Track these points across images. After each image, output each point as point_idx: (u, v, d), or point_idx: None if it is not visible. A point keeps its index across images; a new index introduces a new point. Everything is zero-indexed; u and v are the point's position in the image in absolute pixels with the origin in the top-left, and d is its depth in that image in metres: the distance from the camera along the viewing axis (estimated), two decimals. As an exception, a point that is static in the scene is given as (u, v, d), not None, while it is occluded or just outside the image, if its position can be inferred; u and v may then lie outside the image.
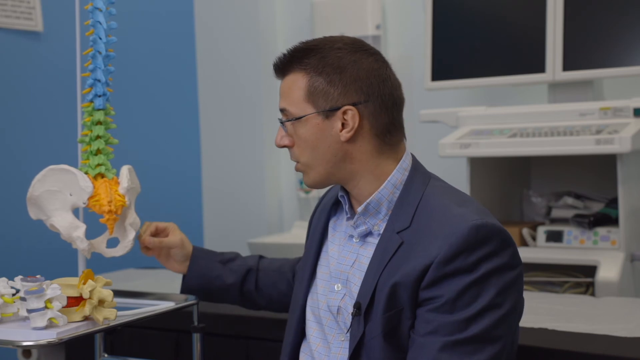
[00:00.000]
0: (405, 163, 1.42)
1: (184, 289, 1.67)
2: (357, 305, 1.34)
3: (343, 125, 1.38)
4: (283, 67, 1.42)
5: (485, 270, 1.26)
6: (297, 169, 1.45)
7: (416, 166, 1.43)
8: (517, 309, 1.33)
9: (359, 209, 1.40)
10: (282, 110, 1.42)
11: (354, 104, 1.37)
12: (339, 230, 1.49)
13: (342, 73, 1.38)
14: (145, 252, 1.63)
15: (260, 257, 1.73)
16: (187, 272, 1.65)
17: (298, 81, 1.39)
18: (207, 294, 1.68)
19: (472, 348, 1.24)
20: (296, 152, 1.42)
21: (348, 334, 1.36)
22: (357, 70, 1.39)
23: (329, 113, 1.38)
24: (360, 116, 1.38)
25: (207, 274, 1.65)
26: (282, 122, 1.43)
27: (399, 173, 1.40)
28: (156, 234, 1.63)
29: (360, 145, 1.39)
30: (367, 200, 1.39)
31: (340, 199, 1.48)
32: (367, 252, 1.40)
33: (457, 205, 1.34)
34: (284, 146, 1.43)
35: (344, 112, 1.37)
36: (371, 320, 1.32)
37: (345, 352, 1.37)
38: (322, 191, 1.54)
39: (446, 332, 1.25)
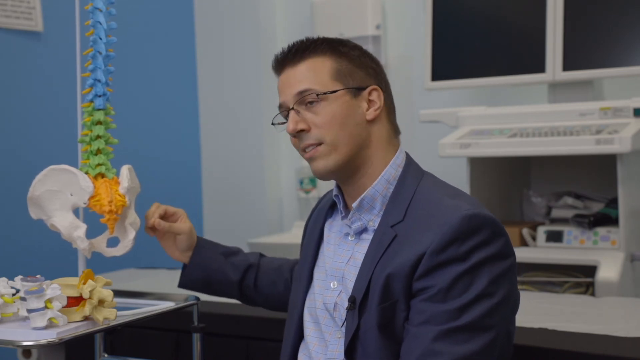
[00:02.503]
0: (398, 159, 1.44)
1: (184, 279, 1.67)
2: (351, 299, 1.34)
3: (368, 105, 1.42)
4: (302, 52, 1.42)
5: (478, 259, 1.27)
6: (313, 155, 1.41)
7: (410, 163, 1.46)
8: (511, 299, 1.33)
9: (354, 205, 1.42)
10: (302, 92, 1.40)
11: (378, 86, 1.44)
12: (334, 230, 1.50)
13: (360, 58, 1.44)
14: (149, 232, 1.59)
15: (261, 255, 1.74)
16: (189, 262, 1.64)
17: (322, 63, 1.42)
18: (206, 286, 1.68)
19: (465, 336, 1.25)
20: (318, 133, 1.40)
21: (343, 329, 1.36)
22: (369, 60, 1.46)
23: (356, 91, 1.42)
24: (384, 97, 1.44)
25: (208, 266, 1.65)
26: (292, 109, 1.41)
27: (392, 169, 1.42)
28: (165, 217, 1.61)
29: (379, 128, 1.43)
30: (362, 196, 1.41)
31: (334, 198, 1.49)
32: (361, 248, 1.41)
33: (449, 197, 1.36)
34: (301, 131, 1.41)
35: (370, 92, 1.43)
36: (366, 312, 1.33)
37: (342, 349, 1.37)
38: (322, 191, 1.54)
39: (439, 321, 1.25)
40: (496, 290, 1.28)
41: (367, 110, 1.42)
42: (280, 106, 1.46)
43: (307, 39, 1.45)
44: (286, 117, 1.44)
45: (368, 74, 1.44)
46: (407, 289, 1.31)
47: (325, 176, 1.44)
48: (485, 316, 1.26)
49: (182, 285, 1.69)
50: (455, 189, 1.42)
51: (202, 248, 1.65)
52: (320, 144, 1.40)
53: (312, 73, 1.41)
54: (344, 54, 1.43)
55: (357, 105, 1.41)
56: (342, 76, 1.41)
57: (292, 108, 1.41)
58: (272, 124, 1.49)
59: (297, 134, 1.42)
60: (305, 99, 1.40)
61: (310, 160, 1.43)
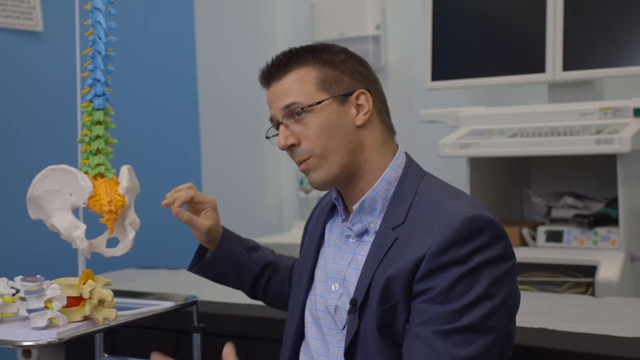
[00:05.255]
0: (398, 160, 1.43)
1: (201, 268, 1.65)
2: (353, 302, 1.34)
3: (357, 110, 1.41)
4: (286, 65, 1.41)
5: (479, 261, 1.27)
6: (305, 168, 1.41)
7: (410, 163, 1.45)
8: (510, 301, 1.33)
9: (354, 207, 1.41)
10: (289, 106, 1.40)
11: (365, 89, 1.42)
12: (335, 232, 1.50)
13: (345, 64, 1.42)
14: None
15: (273, 252, 1.74)
16: (212, 255, 1.63)
17: (307, 74, 1.40)
18: (219, 277, 1.67)
19: (466, 338, 1.25)
20: (307, 147, 1.39)
21: (344, 331, 1.36)
22: (354, 63, 1.44)
23: (343, 98, 1.40)
24: (373, 100, 1.42)
25: (229, 261, 1.63)
26: (281, 123, 1.41)
27: (392, 170, 1.42)
28: (191, 203, 1.60)
29: (371, 132, 1.42)
30: (362, 198, 1.40)
31: (334, 201, 1.49)
32: (363, 250, 1.40)
33: (450, 199, 1.35)
34: (291, 145, 1.41)
35: (357, 97, 1.41)
36: (366, 315, 1.32)
37: (342, 352, 1.37)
38: (322, 192, 1.54)
39: (440, 322, 1.25)
40: (497, 293, 1.28)
41: (357, 115, 1.40)
42: (271, 119, 1.45)
43: (290, 50, 1.44)
44: (277, 128, 1.44)
45: (354, 79, 1.42)
46: (407, 291, 1.30)
47: (322, 187, 1.43)
48: (486, 318, 1.26)
49: (195, 271, 1.67)
50: (456, 190, 1.42)
51: (228, 241, 1.64)
52: (309, 157, 1.40)
53: (298, 85, 1.39)
54: (327, 61, 1.41)
55: (345, 112, 1.40)
56: (327, 85, 1.40)
57: (281, 122, 1.41)
58: (267, 137, 1.48)
59: (289, 149, 1.41)
60: (293, 112, 1.39)
61: (305, 173, 1.43)
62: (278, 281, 1.69)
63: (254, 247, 1.69)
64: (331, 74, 1.40)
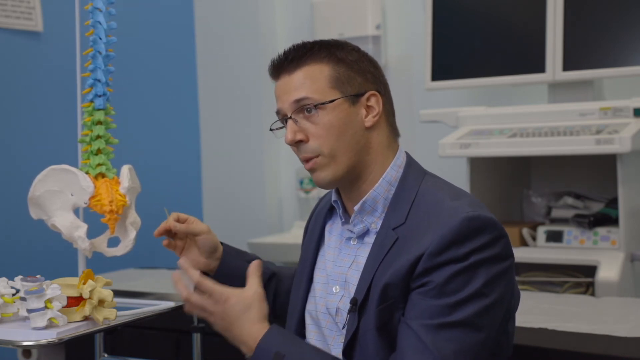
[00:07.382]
0: (399, 160, 1.43)
1: None
2: (353, 301, 1.34)
3: (367, 111, 1.40)
4: (299, 59, 1.39)
5: (476, 259, 1.27)
6: (313, 167, 1.39)
7: (410, 163, 1.44)
8: (505, 300, 1.33)
9: (356, 208, 1.41)
10: (300, 101, 1.38)
11: (376, 90, 1.41)
12: (335, 233, 1.49)
13: (359, 63, 1.41)
14: (167, 245, 1.56)
15: (274, 263, 1.71)
16: (217, 272, 1.58)
17: (320, 71, 1.38)
18: None
19: (455, 333, 1.25)
20: (316, 145, 1.38)
21: (344, 331, 1.36)
22: (367, 63, 1.43)
23: (354, 99, 1.39)
24: (383, 102, 1.41)
25: (235, 275, 1.57)
26: (289, 118, 1.39)
27: (393, 170, 1.41)
28: (178, 222, 1.56)
29: (378, 134, 1.41)
30: (363, 199, 1.40)
31: (334, 204, 1.48)
32: (364, 252, 1.40)
33: (450, 198, 1.35)
34: (299, 141, 1.39)
35: (368, 98, 1.40)
36: (365, 314, 1.32)
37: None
38: (322, 191, 1.54)
39: (431, 316, 1.25)
40: (491, 291, 1.28)
41: (366, 117, 1.40)
42: (278, 112, 1.43)
43: (304, 44, 1.42)
44: (283, 122, 1.42)
45: (366, 79, 1.41)
46: (405, 290, 1.30)
47: (326, 186, 1.42)
48: (477, 316, 1.26)
49: None
50: (457, 189, 1.41)
51: (229, 256, 1.60)
52: (317, 155, 1.38)
53: (310, 81, 1.38)
54: (341, 59, 1.40)
55: (355, 112, 1.39)
56: (339, 83, 1.38)
57: (290, 117, 1.39)
58: (270, 129, 1.47)
59: (296, 144, 1.40)
60: (303, 108, 1.38)
61: (310, 171, 1.41)
62: (284, 291, 1.66)
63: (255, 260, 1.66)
64: (344, 73, 1.39)
